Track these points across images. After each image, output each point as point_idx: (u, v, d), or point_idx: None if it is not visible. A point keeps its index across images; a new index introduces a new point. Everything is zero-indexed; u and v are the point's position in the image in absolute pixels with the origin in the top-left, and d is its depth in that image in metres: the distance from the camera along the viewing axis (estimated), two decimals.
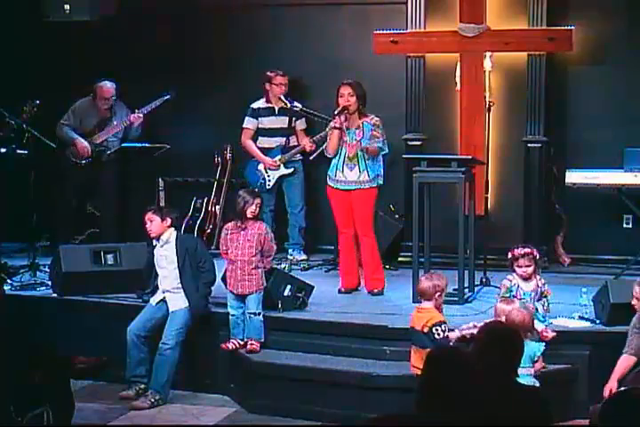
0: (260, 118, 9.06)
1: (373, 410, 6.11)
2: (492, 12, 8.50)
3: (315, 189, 9.21)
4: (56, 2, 9.23)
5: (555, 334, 6.41)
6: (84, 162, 8.94)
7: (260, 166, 9.06)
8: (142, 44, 9.67)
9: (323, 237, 9.26)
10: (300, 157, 9.09)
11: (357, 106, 7.56)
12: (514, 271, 6.64)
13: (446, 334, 6.04)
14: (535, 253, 6.65)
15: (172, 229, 7.15)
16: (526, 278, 6.60)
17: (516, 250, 6.63)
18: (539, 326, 6.41)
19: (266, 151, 9.06)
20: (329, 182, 7.74)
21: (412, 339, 6.22)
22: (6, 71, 9.64)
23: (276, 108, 9.07)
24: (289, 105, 8.95)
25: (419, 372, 5.97)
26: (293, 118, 9.08)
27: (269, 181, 9.03)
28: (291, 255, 9.01)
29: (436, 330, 6.01)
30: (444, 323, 6.08)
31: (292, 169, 9.05)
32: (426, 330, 6.02)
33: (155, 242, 7.15)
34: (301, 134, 9.12)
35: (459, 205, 7.43)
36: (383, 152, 7.66)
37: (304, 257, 9.04)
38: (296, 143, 9.09)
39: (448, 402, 3.87)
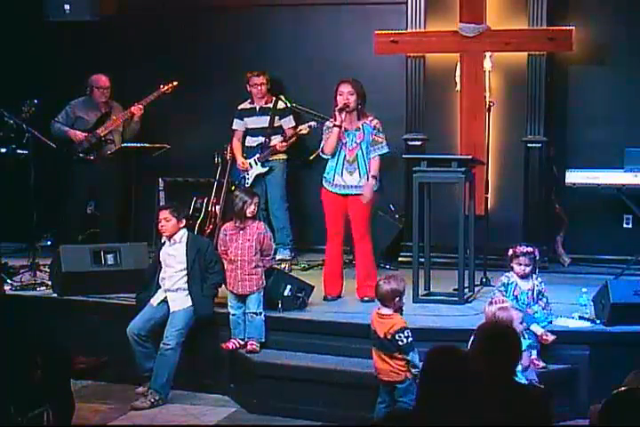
0: (244, 119, 9.16)
1: (373, 410, 6.12)
2: (491, 12, 8.51)
3: (315, 189, 9.19)
4: (56, 2, 9.23)
5: (555, 337, 6.40)
6: (87, 156, 8.92)
7: None
8: (142, 43, 9.68)
9: (323, 237, 9.25)
10: (284, 158, 9.09)
11: (357, 105, 7.43)
12: (511, 268, 6.67)
13: (410, 339, 5.88)
14: (536, 253, 6.67)
15: (185, 229, 7.17)
16: (523, 277, 6.62)
17: (518, 247, 6.65)
18: (537, 329, 6.40)
19: (249, 150, 9.15)
20: (325, 185, 7.58)
21: (374, 343, 6.07)
22: (6, 71, 9.64)
23: (257, 108, 9.14)
24: (288, 105, 8.97)
25: (381, 375, 5.97)
26: (276, 117, 9.10)
27: (247, 179, 9.09)
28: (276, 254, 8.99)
29: (399, 337, 5.87)
30: (407, 328, 5.92)
31: (267, 168, 9.08)
32: (389, 337, 5.90)
33: (164, 240, 7.16)
34: (290, 132, 9.12)
35: (459, 205, 7.43)
36: (387, 155, 7.58)
37: (288, 257, 8.97)
38: (276, 142, 9.10)
39: (448, 400, 3.87)
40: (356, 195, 7.46)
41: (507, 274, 6.72)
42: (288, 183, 9.21)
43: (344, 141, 7.47)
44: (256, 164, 9.08)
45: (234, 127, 9.21)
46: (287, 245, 9.13)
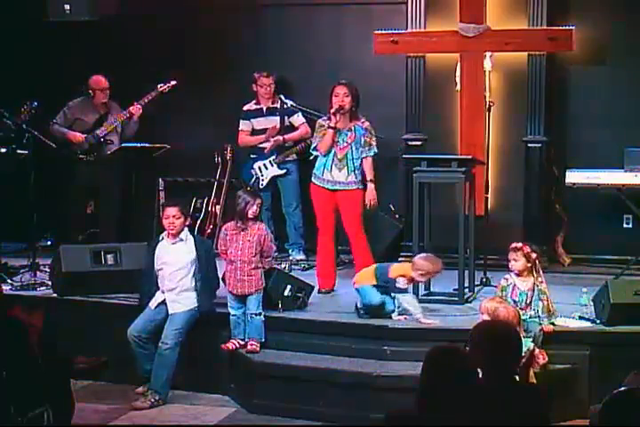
0: (251, 120, 9.13)
1: (373, 410, 6.12)
2: (491, 12, 8.51)
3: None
4: (56, 2, 9.24)
5: (546, 361, 6.31)
6: (87, 157, 8.92)
7: (255, 166, 9.10)
8: (142, 43, 9.67)
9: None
10: (296, 158, 9.10)
11: (351, 106, 7.60)
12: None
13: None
14: (527, 249, 6.59)
15: (186, 227, 7.17)
16: (519, 275, 6.59)
17: (511, 244, 6.66)
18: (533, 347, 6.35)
19: (259, 151, 9.09)
20: (314, 180, 7.75)
21: None
22: (6, 71, 9.64)
23: (264, 109, 9.12)
24: (289, 104, 8.98)
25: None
26: (286, 117, 9.09)
27: (262, 180, 9.08)
28: (290, 255, 9.03)
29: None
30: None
31: (285, 170, 9.08)
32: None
33: (163, 239, 7.10)
34: (303, 128, 9.11)
35: (459, 205, 7.43)
36: (374, 156, 7.70)
37: (302, 257, 9.03)
38: (291, 143, 9.10)
39: (447, 401, 3.87)
40: (344, 190, 7.62)
41: (505, 276, 6.68)
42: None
43: (336, 140, 7.64)
44: (272, 165, 9.06)
45: (241, 128, 9.15)
46: (301, 245, 9.15)
